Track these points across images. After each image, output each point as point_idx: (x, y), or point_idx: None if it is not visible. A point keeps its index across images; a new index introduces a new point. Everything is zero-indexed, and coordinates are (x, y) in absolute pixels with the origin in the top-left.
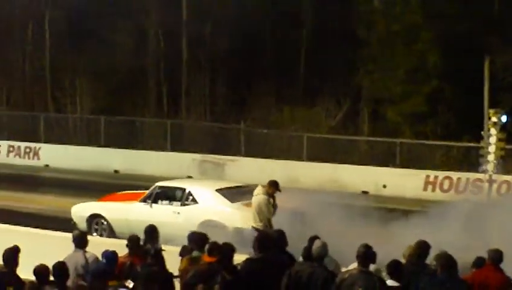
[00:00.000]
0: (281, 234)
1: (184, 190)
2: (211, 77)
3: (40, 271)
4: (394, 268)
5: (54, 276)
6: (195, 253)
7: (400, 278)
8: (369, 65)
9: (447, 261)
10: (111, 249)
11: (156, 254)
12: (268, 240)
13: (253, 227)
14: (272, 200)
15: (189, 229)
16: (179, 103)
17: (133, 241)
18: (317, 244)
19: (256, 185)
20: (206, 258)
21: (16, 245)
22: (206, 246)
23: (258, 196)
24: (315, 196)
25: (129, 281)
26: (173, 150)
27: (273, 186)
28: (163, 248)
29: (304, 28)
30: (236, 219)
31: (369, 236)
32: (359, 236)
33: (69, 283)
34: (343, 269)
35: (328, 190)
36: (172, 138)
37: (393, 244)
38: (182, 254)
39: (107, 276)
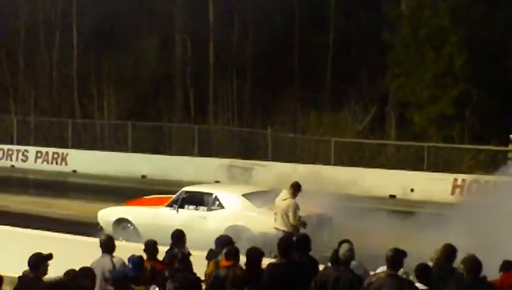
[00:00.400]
0: (304, 238)
1: (210, 194)
2: (237, 82)
3: (70, 276)
4: (422, 271)
5: (80, 280)
6: (221, 257)
7: (427, 281)
8: (395, 69)
9: (473, 264)
10: (137, 253)
11: (184, 259)
12: (291, 245)
13: (283, 231)
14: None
15: (216, 234)
16: (206, 108)
17: (149, 246)
18: (344, 248)
19: (280, 190)
20: (223, 262)
21: (50, 253)
22: (224, 250)
23: (288, 200)
24: (342, 201)
25: (153, 286)
26: (200, 155)
27: (296, 189)
28: (190, 252)
29: (330, 33)
30: (262, 223)
31: (394, 239)
32: (385, 240)
33: (97, 288)
34: (371, 273)
35: (355, 194)
36: (200, 143)
37: (418, 248)
38: (209, 257)
39: (130, 281)
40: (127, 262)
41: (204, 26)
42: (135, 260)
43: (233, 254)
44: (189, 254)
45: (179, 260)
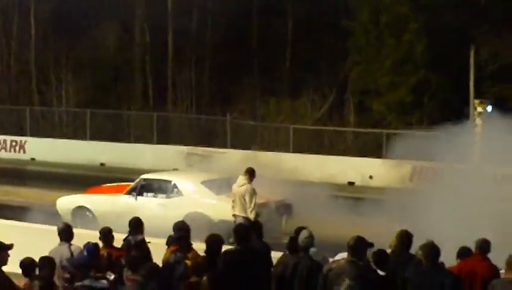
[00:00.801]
0: (257, 224)
1: (169, 182)
2: (196, 70)
3: (26, 264)
4: (378, 258)
5: (39, 270)
6: None
7: (385, 267)
8: (355, 56)
9: (431, 250)
10: (96, 241)
11: (137, 246)
12: (248, 231)
13: (242, 217)
14: None
15: (175, 221)
16: (164, 95)
17: (104, 234)
18: (304, 234)
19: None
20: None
21: (11, 243)
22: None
23: (244, 185)
24: (301, 188)
25: (109, 272)
26: (159, 142)
27: (251, 174)
28: (148, 239)
29: (289, 20)
30: (221, 210)
31: (351, 226)
32: (343, 226)
33: (55, 277)
34: (330, 260)
35: (314, 181)
36: (159, 131)
37: (375, 235)
38: (168, 244)
39: (87, 268)
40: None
41: (163, 13)
42: (90, 247)
43: (172, 241)
44: (144, 241)
45: (135, 247)
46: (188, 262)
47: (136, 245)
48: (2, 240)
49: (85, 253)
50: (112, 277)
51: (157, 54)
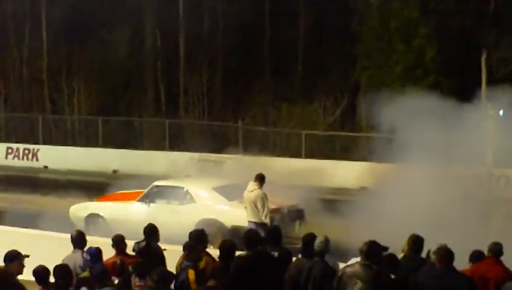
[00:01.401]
0: (274, 229)
1: (182, 188)
2: (208, 75)
3: (39, 272)
4: (388, 262)
5: (58, 278)
6: None
7: (395, 271)
8: (364, 62)
9: (446, 254)
10: (109, 249)
11: (142, 252)
12: (257, 236)
13: (255, 223)
14: None
15: (188, 227)
16: (176, 102)
17: (116, 241)
18: (320, 239)
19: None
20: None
21: (27, 254)
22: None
23: (255, 191)
24: (313, 193)
25: (113, 277)
26: (172, 149)
27: (261, 180)
28: (163, 247)
29: (301, 25)
30: (234, 216)
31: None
32: (356, 232)
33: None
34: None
35: (327, 186)
36: (171, 137)
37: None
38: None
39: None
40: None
41: (175, 18)
42: (92, 252)
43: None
44: (151, 247)
45: (138, 254)
46: (191, 272)
47: (140, 252)
48: (15, 248)
49: (88, 257)
50: (116, 281)
51: (168, 59)
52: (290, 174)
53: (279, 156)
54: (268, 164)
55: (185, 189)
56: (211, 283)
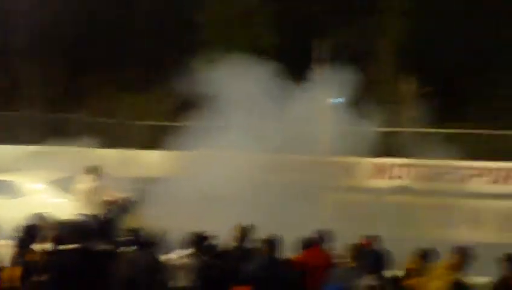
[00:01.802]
0: (106, 221)
1: (13, 182)
2: (47, 66)
3: None
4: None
5: None
6: None
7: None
8: (205, 51)
9: (270, 244)
10: None
11: None
12: (88, 229)
13: (88, 215)
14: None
15: (18, 222)
16: (11, 93)
17: None
18: (149, 231)
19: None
20: None
21: None
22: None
23: (89, 183)
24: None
25: None
26: (6, 142)
27: (94, 172)
28: None
29: (136, 13)
30: (68, 210)
31: None
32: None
33: None
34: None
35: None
36: (6, 130)
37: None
38: None
39: None
40: None
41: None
42: None
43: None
44: None
45: None
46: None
47: None
48: None
49: None
50: None
51: (3, 50)
52: (129, 165)
53: (114, 147)
54: (106, 156)
55: (17, 183)
56: (36, 278)
